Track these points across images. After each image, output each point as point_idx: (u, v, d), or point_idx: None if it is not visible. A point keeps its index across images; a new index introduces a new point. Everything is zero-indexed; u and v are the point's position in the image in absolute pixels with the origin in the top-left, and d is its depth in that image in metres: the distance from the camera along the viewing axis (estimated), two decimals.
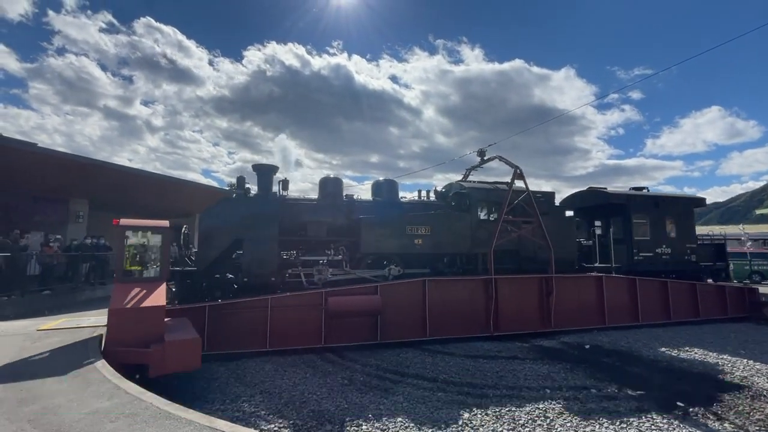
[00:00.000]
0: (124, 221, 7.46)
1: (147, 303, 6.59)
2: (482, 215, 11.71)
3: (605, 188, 14.30)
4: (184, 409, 4.67)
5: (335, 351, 8.96)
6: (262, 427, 5.50)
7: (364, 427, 5.52)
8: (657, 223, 13.61)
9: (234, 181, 10.52)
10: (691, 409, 6.06)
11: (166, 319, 6.76)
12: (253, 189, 10.39)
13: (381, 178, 12.18)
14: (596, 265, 13.10)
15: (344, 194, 11.22)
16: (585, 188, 14.96)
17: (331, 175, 11.29)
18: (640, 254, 13.22)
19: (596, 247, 13.30)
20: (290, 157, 12.43)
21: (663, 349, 9.58)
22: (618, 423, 5.66)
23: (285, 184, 10.69)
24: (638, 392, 6.79)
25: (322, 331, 9.10)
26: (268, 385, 7.11)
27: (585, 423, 5.68)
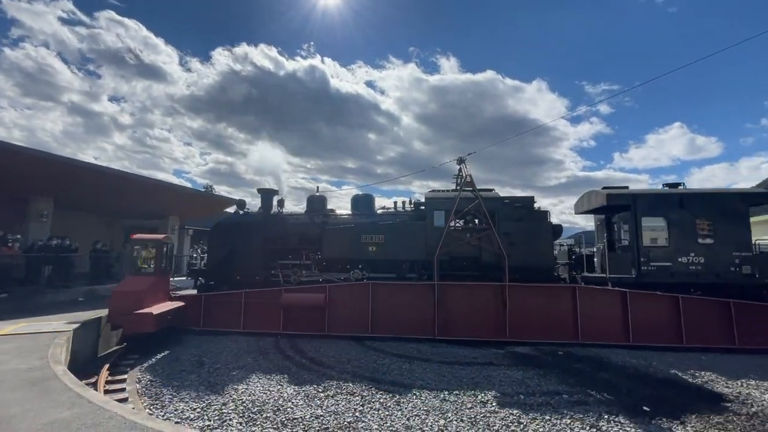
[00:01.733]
0: (135, 236, 11.38)
1: (127, 288, 10.00)
2: (439, 223, 12.04)
3: (626, 187, 12.52)
4: (151, 418, 4.50)
5: (292, 337, 10.94)
6: None
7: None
8: (681, 226, 11.22)
9: (207, 182, 14.03)
10: (655, 413, 6.30)
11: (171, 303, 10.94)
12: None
13: (360, 193, 14.17)
14: (593, 275, 12.24)
15: (327, 208, 13.70)
16: (601, 188, 12.82)
17: (317, 192, 13.81)
18: (651, 264, 11.17)
19: (600, 256, 12.48)
20: (280, 175, 14.50)
21: (630, 358, 9.93)
22: (588, 428, 5.82)
23: (281, 203, 13.65)
24: (607, 397, 7.00)
25: (281, 321, 11.38)
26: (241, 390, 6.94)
27: (557, 428, 5.80)
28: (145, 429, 4.09)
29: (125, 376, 8.05)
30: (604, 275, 11.71)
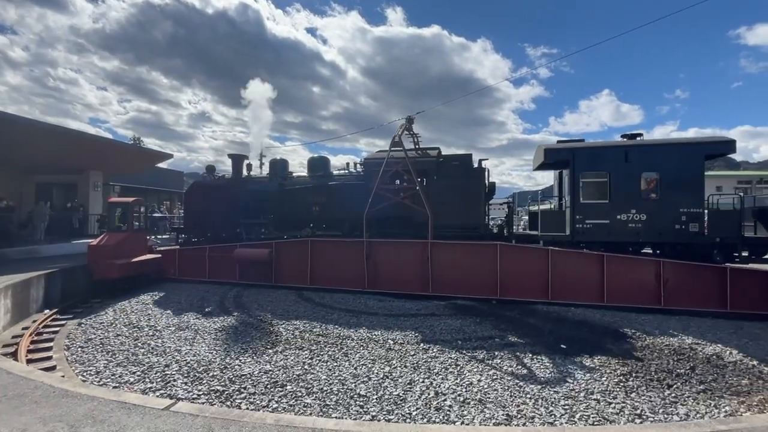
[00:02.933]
0: (111, 200, 14.47)
1: (101, 243, 11.87)
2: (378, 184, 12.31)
3: (582, 140, 12.04)
4: (84, 385, 4.27)
5: (247, 286, 12.46)
6: (179, 396, 5.28)
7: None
8: (624, 181, 10.52)
9: (132, 133, 14.55)
10: (571, 350, 7.24)
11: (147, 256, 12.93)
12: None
13: (315, 155, 15.30)
14: (525, 232, 12.37)
15: (288, 172, 14.67)
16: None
17: (278, 158, 15.14)
18: (587, 222, 10.67)
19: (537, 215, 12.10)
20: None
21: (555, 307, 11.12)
22: (515, 364, 6.56)
23: (249, 167, 15.13)
24: (533, 338, 7.88)
25: (236, 272, 12.91)
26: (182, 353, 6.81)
27: (489, 366, 6.47)
28: (78, 396, 3.89)
29: (51, 344, 7.47)
30: (537, 233, 11.61)
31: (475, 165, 12.84)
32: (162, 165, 26.90)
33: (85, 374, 6.07)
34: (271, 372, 6.12)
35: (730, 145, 10.43)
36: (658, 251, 10.85)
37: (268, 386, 5.62)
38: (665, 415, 4.92)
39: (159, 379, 5.80)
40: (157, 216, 21.35)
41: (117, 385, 5.65)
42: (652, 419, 4.82)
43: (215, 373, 6.02)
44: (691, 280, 9.62)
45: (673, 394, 5.49)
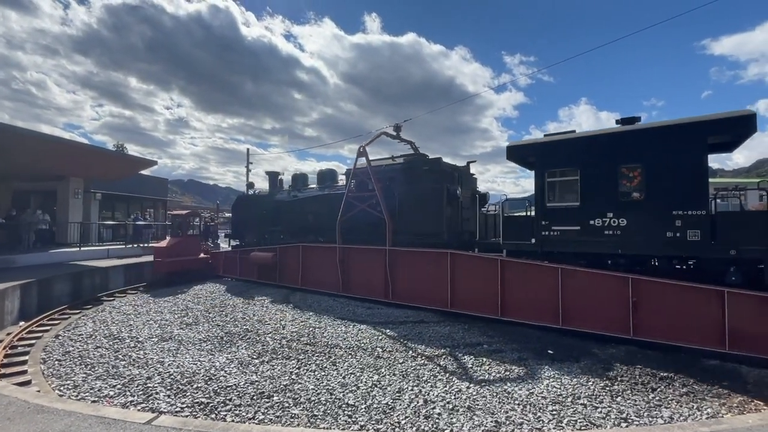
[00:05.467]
0: (172, 212, 19.67)
1: (161, 244, 15.37)
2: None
3: (573, 131, 9.66)
4: (61, 400, 4.11)
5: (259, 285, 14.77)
6: (162, 409, 5.13)
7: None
8: (598, 178, 8.42)
9: (107, 138, 14.95)
10: (557, 356, 7.31)
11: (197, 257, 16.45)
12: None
13: (324, 168, 16.19)
14: (487, 241, 11.16)
15: (306, 185, 16.34)
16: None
17: (299, 172, 16.91)
18: (553, 229, 8.90)
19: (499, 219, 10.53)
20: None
21: None
22: (503, 370, 6.58)
23: (281, 182, 17.54)
24: (520, 345, 7.93)
25: (255, 271, 15.16)
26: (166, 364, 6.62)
27: (478, 372, 6.47)
28: (54, 412, 3.74)
29: (26, 358, 7.19)
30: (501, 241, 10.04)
31: (471, 170, 12.97)
32: (145, 172, 26.40)
33: (62, 388, 5.84)
34: (257, 383, 6.00)
35: (745, 122, 7.16)
36: (655, 264, 8.33)
37: (255, 397, 5.50)
38: (650, 419, 4.98)
39: (140, 392, 5.62)
40: (141, 224, 20.79)
41: (96, 399, 5.45)
42: (637, 423, 4.88)
43: (199, 385, 5.87)
44: (675, 305, 7.32)
45: (657, 398, 5.57)
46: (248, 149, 30.42)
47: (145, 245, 19.32)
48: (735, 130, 7.43)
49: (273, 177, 17.58)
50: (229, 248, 17.99)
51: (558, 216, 8.95)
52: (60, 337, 8.22)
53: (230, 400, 5.41)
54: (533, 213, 10.24)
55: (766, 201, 6.98)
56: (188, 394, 5.58)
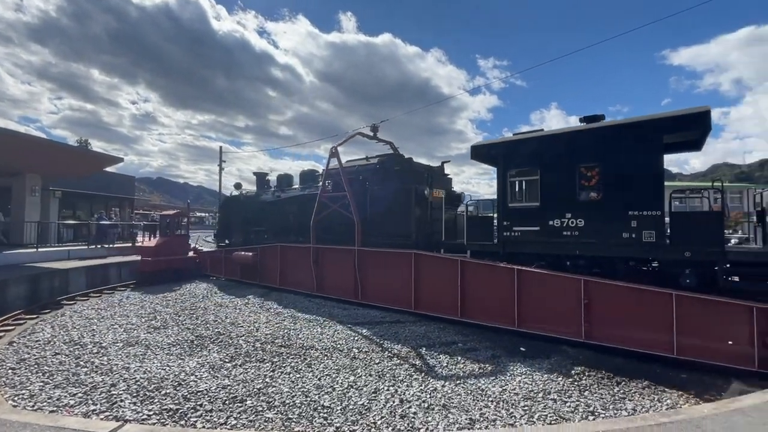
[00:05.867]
0: (161, 213, 18.91)
1: (146, 244, 16.28)
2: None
3: (540, 129, 9.49)
4: (16, 411, 3.85)
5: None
6: (127, 417, 4.90)
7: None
8: (557, 177, 8.35)
9: (68, 133, 14.83)
10: (529, 352, 7.52)
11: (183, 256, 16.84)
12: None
13: (307, 169, 16.22)
14: (453, 241, 10.76)
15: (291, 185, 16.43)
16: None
17: (284, 173, 16.94)
18: (515, 229, 8.83)
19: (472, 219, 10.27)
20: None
21: None
22: (477, 368, 6.70)
23: (268, 182, 17.64)
24: (494, 344, 8.10)
25: (238, 270, 15.46)
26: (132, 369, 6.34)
27: (453, 371, 6.56)
28: (7, 423, 3.51)
29: None
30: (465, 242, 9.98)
31: (446, 170, 13.18)
32: (111, 169, 25.22)
33: (16, 398, 5.48)
34: (229, 387, 5.85)
35: (699, 119, 7.06)
36: (615, 267, 7.99)
37: (227, 402, 5.36)
38: (615, 411, 5.21)
39: (104, 401, 5.35)
40: (105, 223, 19.76)
41: (55, 409, 5.14)
42: (603, 415, 5.09)
43: (168, 391, 5.66)
44: (626, 308, 7.10)
45: (621, 391, 5.83)
46: (221, 147, 29.61)
47: (110, 246, 18.44)
48: (690, 127, 7.30)
49: (260, 178, 17.85)
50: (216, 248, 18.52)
51: (519, 216, 8.86)
52: (14, 344, 7.71)
53: (201, 405, 5.24)
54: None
55: (720, 203, 7.28)
56: (156, 400, 5.37)
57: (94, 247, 17.88)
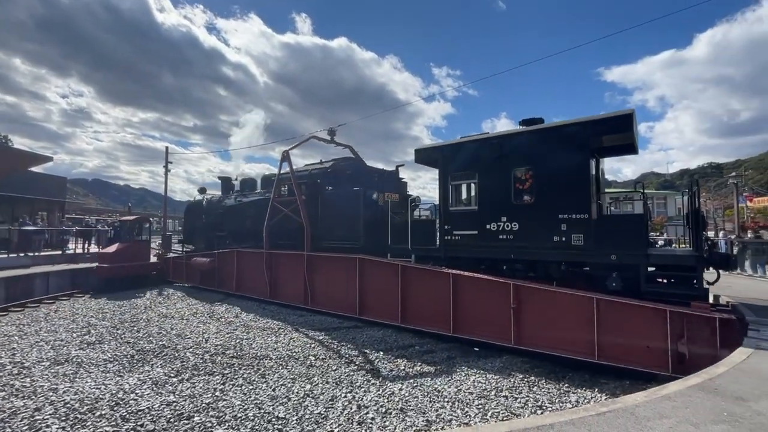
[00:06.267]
0: (121, 218, 18.72)
1: (104, 250, 16.05)
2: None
3: (486, 133, 9.16)
4: None
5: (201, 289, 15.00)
6: None
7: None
8: (493, 180, 8.28)
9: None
10: (482, 352, 7.78)
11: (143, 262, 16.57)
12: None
13: (267, 173, 16.03)
14: (399, 246, 10.00)
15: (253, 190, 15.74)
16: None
17: (249, 177, 16.78)
18: (455, 233, 8.73)
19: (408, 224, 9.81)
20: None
21: None
22: (434, 370, 6.82)
23: (232, 186, 17.35)
24: (450, 345, 8.28)
25: (198, 276, 15.37)
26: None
27: (410, 374, 6.62)
28: None
29: None
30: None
31: (400, 174, 13.38)
32: (38, 169, 22.83)
33: None
34: (175, 403, 5.46)
35: (623, 122, 7.06)
36: (532, 272, 8.03)
37: (172, 420, 5.00)
38: (560, 404, 5.52)
39: (26, 428, 4.78)
40: (30, 229, 17.77)
41: None
42: (550, 409, 5.38)
43: (104, 412, 5.17)
44: (552, 313, 7.12)
45: (566, 385, 6.20)
46: (167, 147, 27.72)
47: (36, 254, 16.63)
48: (616, 129, 7.19)
49: (225, 182, 17.73)
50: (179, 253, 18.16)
51: (459, 220, 8.75)
52: None
53: (142, 425, 4.85)
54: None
55: (644, 207, 7.88)
56: (89, 423, 4.88)
57: (16, 255, 16.02)
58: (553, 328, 7.09)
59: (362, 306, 9.97)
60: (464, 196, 9.08)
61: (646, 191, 7.69)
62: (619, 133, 7.25)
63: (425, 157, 9.69)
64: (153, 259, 17.49)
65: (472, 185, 8.78)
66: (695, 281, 6.53)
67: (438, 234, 9.18)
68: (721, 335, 5.73)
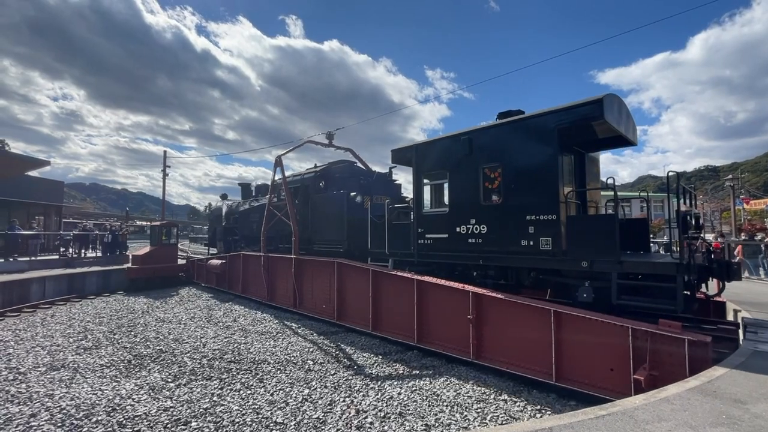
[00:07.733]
0: (152, 224, 20.23)
1: (136, 252, 17.50)
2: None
3: (484, 124, 8.00)
4: None
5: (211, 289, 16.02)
6: None
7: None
8: (463, 181, 7.66)
9: None
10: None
11: (170, 264, 17.89)
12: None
13: (260, 182, 17.77)
14: (377, 250, 9.54)
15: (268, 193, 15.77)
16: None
17: (253, 183, 18.24)
18: (427, 237, 8.17)
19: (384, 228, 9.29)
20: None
21: None
22: (433, 374, 6.78)
23: (250, 192, 18.29)
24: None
25: (214, 278, 16.26)
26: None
27: (409, 378, 6.59)
28: None
29: None
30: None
31: (393, 177, 13.37)
32: (34, 173, 22.73)
33: None
34: (172, 409, 5.42)
35: (592, 109, 6.07)
36: (501, 279, 7.46)
37: (169, 425, 4.96)
38: (560, 407, 5.50)
39: None
40: (20, 233, 17.50)
41: None
42: (549, 412, 5.36)
43: (100, 418, 5.13)
44: (512, 326, 6.45)
45: (566, 387, 6.17)
46: (165, 152, 27.72)
47: (32, 258, 16.52)
48: (585, 117, 6.16)
49: (244, 188, 18.96)
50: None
51: (431, 223, 8.14)
52: None
53: (138, 431, 4.81)
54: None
55: (646, 211, 7.94)
56: (85, 429, 4.84)
57: (12, 259, 15.92)
58: (512, 343, 6.41)
59: (340, 311, 9.82)
60: (437, 197, 8.47)
61: (641, 194, 7.62)
62: (590, 122, 6.20)
63: (401, 157, 9.20)
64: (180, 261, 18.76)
65: (444, 185, 8.17)
66: (676, 294, 5.36)
67: (412, 237, 8.61)
68: (692, 359, 4.69)
